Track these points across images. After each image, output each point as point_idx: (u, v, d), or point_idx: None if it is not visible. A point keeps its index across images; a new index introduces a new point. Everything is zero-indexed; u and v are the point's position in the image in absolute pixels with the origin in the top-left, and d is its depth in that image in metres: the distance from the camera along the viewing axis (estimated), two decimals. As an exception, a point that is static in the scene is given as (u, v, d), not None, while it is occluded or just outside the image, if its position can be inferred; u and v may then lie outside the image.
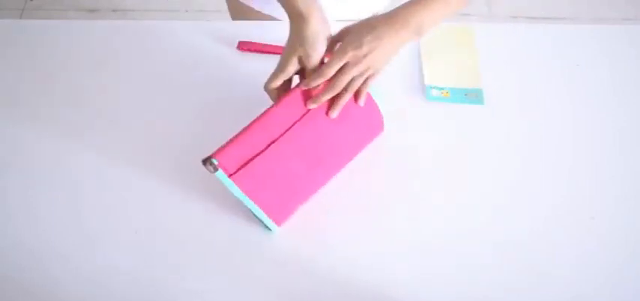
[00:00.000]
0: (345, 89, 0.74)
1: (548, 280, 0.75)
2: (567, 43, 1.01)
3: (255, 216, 0.75)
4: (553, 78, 0.97)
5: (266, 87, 0.76)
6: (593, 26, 1.07)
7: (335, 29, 0.77)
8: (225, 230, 0.78)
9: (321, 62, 0.76)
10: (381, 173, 0.83)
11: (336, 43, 0.76)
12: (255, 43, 0.96)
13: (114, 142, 0.85)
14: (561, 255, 0.78)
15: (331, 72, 0.72)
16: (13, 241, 0.76)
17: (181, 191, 0.81)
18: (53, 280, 0.74)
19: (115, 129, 0.87)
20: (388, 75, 0.80)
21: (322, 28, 0.74)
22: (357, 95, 0.77)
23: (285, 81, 0.77)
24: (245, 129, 0.72)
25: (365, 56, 0.72)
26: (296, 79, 0.79)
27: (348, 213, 0.80)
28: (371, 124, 0.82)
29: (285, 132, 0.73)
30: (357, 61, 0.72)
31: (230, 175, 0.71)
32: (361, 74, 0.73)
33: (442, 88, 0.91)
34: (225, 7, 1.13)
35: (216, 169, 0.69)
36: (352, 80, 0.73)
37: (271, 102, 0.77)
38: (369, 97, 0.79)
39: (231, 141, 0.71)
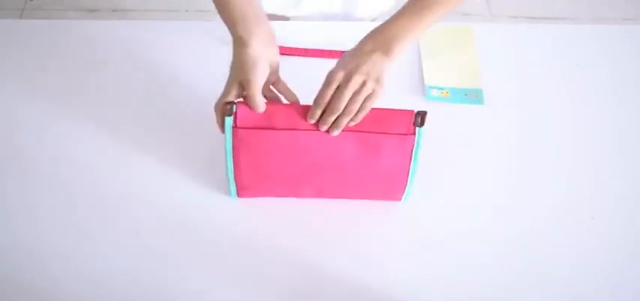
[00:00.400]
0: (345, 112, 0.71)
1: (548, 280, 0.75)
2: (567, 43, 1.01)
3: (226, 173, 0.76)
4: (553, 78, 0.97)
5: (215, 108, 0.75)
6: (593, 26, 1.07)
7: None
8: (226, 230, 0.78)
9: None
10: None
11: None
12: (255, 43, 0.96)
13: (114, 142, 0.85)
14: (561, 255, 0.78)
15: (326, 98, 0.71)
16: (13, 241, 0.76)
17: (182, 191, 0.81)
18: (53, 280, 0.74)
19: (115, 129, 0.87)
20: (388, 74, 0.80)
21: (264, 52, 0.73)
22: (355, 117, 0.73)
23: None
24: (275, 103, 0.73)
25: (355, 71, 0.71)
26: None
27: (348, 213, 0.80)
28: (390, 187, 0.78)
29: (304, 130, 0.73)
30: (347, 80, 0.71)
31: (235, 126, 0.72)
32: (357, 93, 0.71)
33: (442, 88, 0.91)
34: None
35: (230, 113, 0.71)
36: (351, 102, 0.71)
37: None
38: (406, 163, 0.76)
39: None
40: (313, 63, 0.95)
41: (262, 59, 0.73)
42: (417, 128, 0.73)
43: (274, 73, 0.77)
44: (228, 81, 0.74)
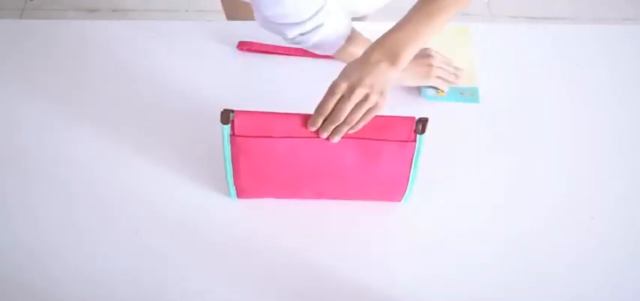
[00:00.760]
0: (346, 121, 0.71)
1: (548, 280, 0.75)
2: (567, 43, 1.01)
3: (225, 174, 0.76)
4: (553, 78, 0.97)
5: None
6: (593, 26, 1.08)
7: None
8: (225, 230, 0.78)
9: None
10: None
11: None
12: (255, 43, 0.96)
13: (114, 142, 0.85)
14: (561, 255, 0.78)
15: (328, 108, 0.71)
16: (13, 241, 0.76)
17: (182, 191, 0.81)
18: (53, 280, 0.74)
19: (115, 129, 0.87)
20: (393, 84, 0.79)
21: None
22: (356, 126, 0.73)
23: None
24: (273, 113, 0.72)
25: (358, 83, 0.71)
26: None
27: (348, 213, 0.80)
28: (390, 190, 0.79)
29: (303, 138, 0.72)
30: (350, 92, 0.70)
31: (232, 135, 0.71)
32: (359, 105, 0.71)
33: (438, 87, 0.91)
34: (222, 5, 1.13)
35: (227, 121, 0.71)
36: (352, 112, 0.71)
37: (271, 110, 0.77)
38: (406, 169, 0.76)
39: (255, 112, 0.72)
40: (313, 63, 0.95)
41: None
42: (417, 135, 0.72)
43: None
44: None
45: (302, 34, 0.81)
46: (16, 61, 0.95)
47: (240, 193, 0.79)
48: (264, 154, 0.74)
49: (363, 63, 0.73)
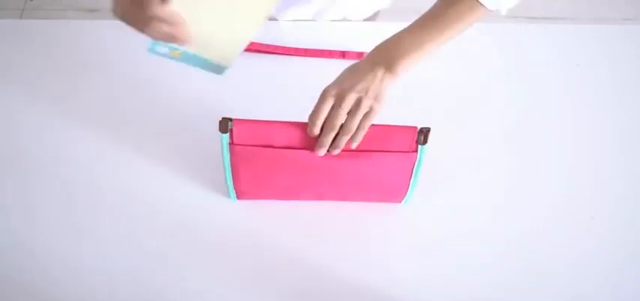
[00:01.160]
0: (343, 130, 0.70)
1: (548, 280, 0.75)
2: (567, 43, 1.01)
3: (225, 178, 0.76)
4: (553, 78, 0.97)
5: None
6: (593, 26, 1.07)
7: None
8: (226, 230, 0.78)
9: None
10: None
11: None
12: (255, 43, 0.96)
13: (114, 142, 0.85)
14: (561, 255, 0.78)
15: (319, 115, 0.69)
16: (12, 241, 0.76)
17: (182, 191, 0.81)
18: (53, 280, 0.74)
19: (115, 129, 0.87)
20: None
21: None
22: (354, 136, 0.71)
23: None
24: (272, 122, 0.72)
25: (349, 89, 0.69)
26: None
27: (348, 213, 0.80)
28: (390, 194, 0.78)
29: (303, 149, 0.72)
30: (341, 100, 0.69)
31: (231, 143, 0.71)
32: (353, 112, 0.69)
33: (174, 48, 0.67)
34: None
35: (226, 130, 0.70)
36: (348, 120, 0.70)
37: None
38: (407, 177, 0.75)
39: (254, 121, 0.71)
40: (313, 63, 0.95)
41: None
42: (419, 146, 0.72)
43: None
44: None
45: None
46: (16, 61, 0.95)
47: (240, 196, 0.79)
48: (263, 162, 0.73)
49: (358, 68, 0.72)
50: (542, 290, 0.75)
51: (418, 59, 0.72)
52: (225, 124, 0.70)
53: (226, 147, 0.72)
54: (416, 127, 0.71)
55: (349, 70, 0.73)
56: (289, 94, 0.91)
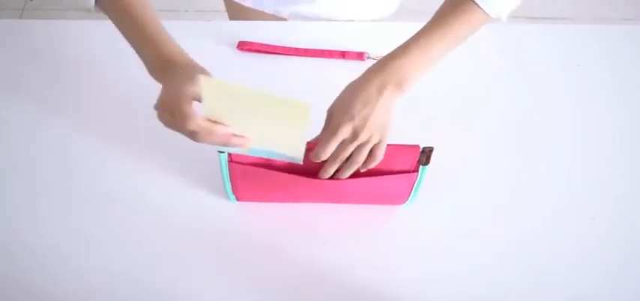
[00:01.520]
0: (350, 161, 0.69)
1: (548, 280, 0.75)
2: (567, 43, 1.01)
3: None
4: (553, 78, 0.97)
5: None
6: (593, 26, 1.07)
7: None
8: (226, 231, 0.78)
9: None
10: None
11: (330, 118, 0.70)
12: (255, 43, 0.96)
13: (114, 142, 0.85)
14: (561, 255, 0.78)
15: (329, 152, 0.68)
16: (13, 241, 0.76)
17: (182, 191, 0.81)
18: (53, 280, 0.74)
19: (115, 129, 0.87)
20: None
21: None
22: (364, 165, 0.71)
23: None
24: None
25: (361, 128, 0.67)
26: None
27: (348, 214, 0.80)
28: (394, 192, 0.77)
29: (302, 169, 0.71)
30: (354, 137, 0.67)
31: (230, 161, 0.71)
32: (363, 146, 0.68)
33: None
34: (224, 7, 1.13)
35: (223, 151, 0.70)
36: (356, 153, 0.68)
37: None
38: (406, 192, 0.75)
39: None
40: (313, 63, 0.95)
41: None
42: (421, 166, 0.71)
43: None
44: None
45: None
46: (16, 61, 0.95)
47: (240, 199, 0.79)
48: (263, 180, 0.73)
49: (366, 90, 0.69)
50: (542, 290, 0.75)
51: (426, 71, 0.71)
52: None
53: (225, 164, 0.72)
54: (418, 147, 0.70)
55: (357, 97, 0.69)
56: (289, 94, 0.91)
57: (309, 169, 0.71)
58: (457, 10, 0.71)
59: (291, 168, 0.71)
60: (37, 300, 0.72)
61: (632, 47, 1.01)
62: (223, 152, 0.70)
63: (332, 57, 0.95)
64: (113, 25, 0.74)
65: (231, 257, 0.76)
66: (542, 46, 1.01)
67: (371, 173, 0.72)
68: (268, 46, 0.96)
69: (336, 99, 0.71)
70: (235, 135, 0.65)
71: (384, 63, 0.71)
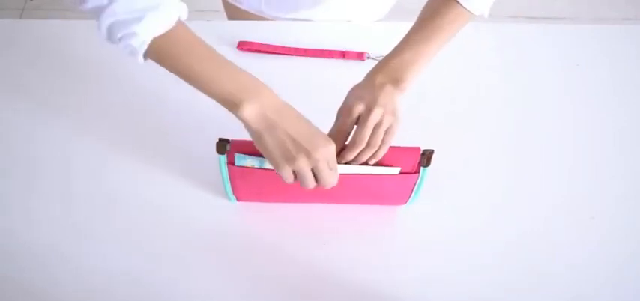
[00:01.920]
0: (369, 145, 0.69)
1: (548, 280, 0.75)
2: (567, 43, 1.01)
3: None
4: (553, 78, 0.97)
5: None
6: (593, 26, 1.07)
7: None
8: (227, 231, 0.78)
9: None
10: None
11: (339, 114, 0.73)
12: (255, 43, 0.96)
13: (114, 142, 0.85)
14: (561, 255, 0.78)
15: (347, 130, 0.69)
16: (13, 241, 0.76)
17: (182, 192, 0.81)
18: (53, 280, 0.74)
19: (115, 129, 0.87)
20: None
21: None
22: (377, 152, 0.71)
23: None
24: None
25: (374, 104, 0.69)
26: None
27: (349, 214, 0.80)
28: (395, 193, 0.77)
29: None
30: (368, 112, 0.68)
31: (229, 163, 0.71)
32: (379, 126, 0.69)
33: None
34: (223, 7, 1.13)
35: (223, 152, 0.69)
36: (373, 135, 0.69)
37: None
38: (407, 193, 0.76)
39: (252, 142, 0.69)
40: (313, 63, 0.95)
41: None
42: (421, 167, 0.72)
43: None
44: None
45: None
46: (16, 61, 0.95)
47: (240, 200, 0.79)
48: (263, 183, 0.73)
49: (369, 85, 0.72)
50: (542, 290, 0.75)
51: (421, 69, 0.74)
52: (222, 146, 0.69)
53: (224, 167, 0.72)
54: (418, 149, 0.71)
55: (363, 88, 0.72)
56: (289, 94, 0.90)
57: None
58: (443, 9, 0.75)
59: None
60: (37, 300, 0.72)
61: (632, 47, 1.01)
62: (223, 153, 0.70)
63: (332, 57, 0.95)
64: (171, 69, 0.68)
65: (231, 257, 0.76)
66: (542, 46, 1.01)
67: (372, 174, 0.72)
68: (268, 46, 0.96)
69: (343, 101, 0.73)
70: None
71: (380, 66, 0.74)
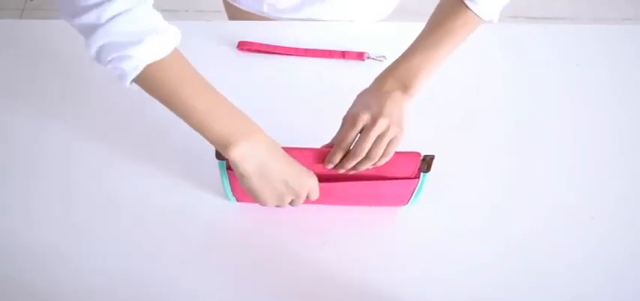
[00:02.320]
0: (368, 156, 0.69)
1: (548, 280, 0.75)
2: (567, 43, 1.01)
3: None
4: (553, 78, 0.97)
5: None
6: (593, 26, 1.07)
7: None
8: (227, 231, 0.78)
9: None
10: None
11: (345, 121, 0.72)
12: (255, 43, 0.96)
13: (114, 142, 0.85)
14: (561, 255, 0.78)
15: (349, 140, 0.69)
16: (13, 241, 0.76)
17: (182, 191, 0.81)
18: (53, 280, 0.74)
19: (115, 129, 0.87)
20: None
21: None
22: (380, 160, 0.71)
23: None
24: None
25: (379, 114, 0.68)
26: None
27: (349, 214, 0.80)
28: (395, 196, 0.77)
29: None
30: (373, 123, 0.68)
31: (229, 168, 0.71)
32: (380, 138, 0.68)
33: None
34: (224, 7, 1.13)
35: (222, 158, 0.69)
36: (374, 146, 0.68)
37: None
38: (407, 196, 0.75)
39: None
40: (313, 63, 0.95)
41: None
42: (421, 173, 0.71)
43: None
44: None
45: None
46: (16, 61, 0.95)
47: (240, 200, 0.79)
48: None
49: (376, 92, 0.71)
50: (542, 290, 0.75)
51: (430, 75, 0.74)
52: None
53: (224, 172, 0.72)
54: (419, 154, 0.71)
55: (370, 95, 0.72)
56: (289, 94, 0.91)
57: (310, 170, 0.71)
58: (452, 14, 0.74)
59: None
60: (37, 300, 0.72)
61: (632, 47, 1.01)
62: (223, 160, 0.70)
63: (332, 57, 0.95)
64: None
65: (231, 257, 0.76)
66: (542, 46, 1.01)
67: (372, 178, 0.72)
68: (268, 46, 0.96)
69: (350, 107, 0.73)
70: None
71: (389, 71, 0.73)
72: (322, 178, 0.71)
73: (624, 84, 0.96)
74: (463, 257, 0.77)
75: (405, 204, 0.78)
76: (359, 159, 0.69)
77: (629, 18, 2.14)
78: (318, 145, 0.74)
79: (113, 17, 0.57)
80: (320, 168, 0.71)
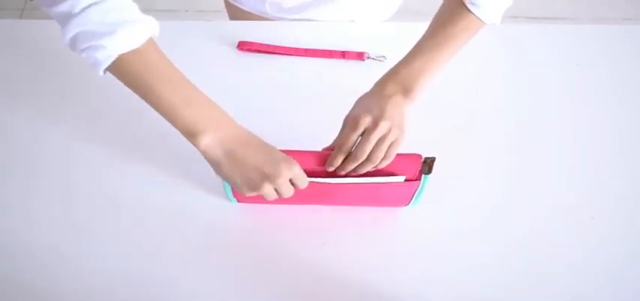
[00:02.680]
0: (369, 159, 0.69)
1: (548, 280, 0.75)
2: (567, 43, 1.01)
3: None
4: (553, 78, 0.97)
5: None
6: (593, 26, 1.07)
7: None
8: (227, 231, 0.78)
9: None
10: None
11: (346, 123, 0.72)
12: (255, 43, 0.96)
13: (114, 142, 0.85)
14: (561, 255, 0.78)
15: (350, 143, 0.69)
16: (13, 241, 0.76)
17: (182, 192, 0.81)
18: (53, 280, 0.74)
19: (115, 129, 0.87)
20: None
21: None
22: (381, 162, 0.71)
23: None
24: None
25: (381, 117, 0.68)
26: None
27: (349, 214, 0.80)
28: (395, 198, 0.77)
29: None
30: (375, 126, 0.68)
31: None
32: (381, 140, 0.68)
33: None
34: (224, 7, 1.13)
35: None
36: (375, 149, 0.68)
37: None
38: (407, 198, 0.75)
39: None
40: (313, 63, 0.95)
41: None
42: (423, 175, 0.71)
43: None
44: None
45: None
46: (16, 61, 0.95)
47: (240, 201, 0.79)
48: None
49: (378, 95, 0.71)
50: (542, 290, 0.75)
51: (432, 78, 0.74)
52: None
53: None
54: (420, 156, 0.71)
55: (372, 98, 0.71)
56: (289, 94, 0.91)
57: (311, 172, 0.71)
58: (454, 18, 0.74)
59: None
60: (37, 300, 0.72)
61: (632, 47, 1.01)
62: None
63: (332, 57, 0.95)
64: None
65: (231, 257, 0.76)
66: (542, 46, 1.01)
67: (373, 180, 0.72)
68: (268, 46, 0.96)
69: (351, 110, 0.73)
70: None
71: (391, 75, 0.73)
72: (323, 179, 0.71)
73: (624, 84, 0.96)
74: (463, 257, 0.77)
75: (405, 205, 0.78)
76: (360, 161, 0.69)
77: (629, 18, 2.14)
78: (319, 146, 0.74)
79: (87, 7, 0.58)
80: (321, 171, 0.71)
